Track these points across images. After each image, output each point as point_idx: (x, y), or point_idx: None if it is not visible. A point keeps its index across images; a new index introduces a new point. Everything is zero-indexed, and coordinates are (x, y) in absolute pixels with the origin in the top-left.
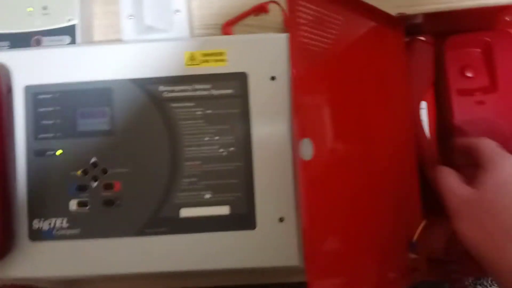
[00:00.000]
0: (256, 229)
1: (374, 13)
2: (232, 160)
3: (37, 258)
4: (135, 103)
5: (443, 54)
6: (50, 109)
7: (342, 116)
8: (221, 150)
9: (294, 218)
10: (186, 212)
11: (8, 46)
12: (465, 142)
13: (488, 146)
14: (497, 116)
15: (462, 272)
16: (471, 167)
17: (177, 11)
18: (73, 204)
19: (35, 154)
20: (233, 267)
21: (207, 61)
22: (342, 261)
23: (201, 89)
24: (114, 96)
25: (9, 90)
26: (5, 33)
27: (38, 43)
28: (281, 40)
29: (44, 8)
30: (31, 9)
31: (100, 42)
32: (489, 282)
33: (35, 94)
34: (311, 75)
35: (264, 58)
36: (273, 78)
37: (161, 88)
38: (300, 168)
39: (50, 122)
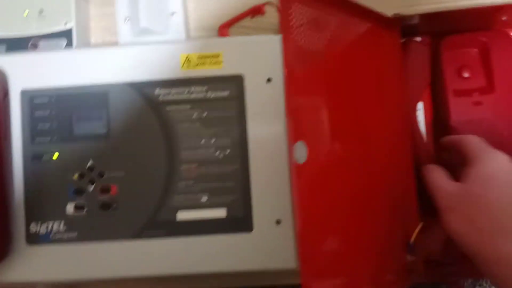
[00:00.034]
0: (253, 231)
1: (370, 14)
2: (229, 162)
3: (34, 262)
4: (131, 106)
5: (439, 55)
6: (46, 113)
7: (337, 118)
8: (218, 152)
9: (291, 220)
10: (183, 215)
11: (4, 50)
12: (451, 140)
13: (472, 142)
14: (494, 117)
15: (459, 274)
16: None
17: (173, 13)
18: (70, 208)
19: (32, 158)
20: (230, 269)
21: (203, 63)
22: (338, 263)
23: (197, 92)
24: (110, 100)
25: (6, 94)
26: (2, 37)
27: (35, 47)
28: (277, 42)
29: (41, 11)
30: (27, 13)
31: (96, 46)
32: (488, 283)
33: (31, 98)
34: (306, 77)
35: (260, 60)
36: (269, 80)
37: (157, 91)
38: (294, 171)
39: (47, 126)
